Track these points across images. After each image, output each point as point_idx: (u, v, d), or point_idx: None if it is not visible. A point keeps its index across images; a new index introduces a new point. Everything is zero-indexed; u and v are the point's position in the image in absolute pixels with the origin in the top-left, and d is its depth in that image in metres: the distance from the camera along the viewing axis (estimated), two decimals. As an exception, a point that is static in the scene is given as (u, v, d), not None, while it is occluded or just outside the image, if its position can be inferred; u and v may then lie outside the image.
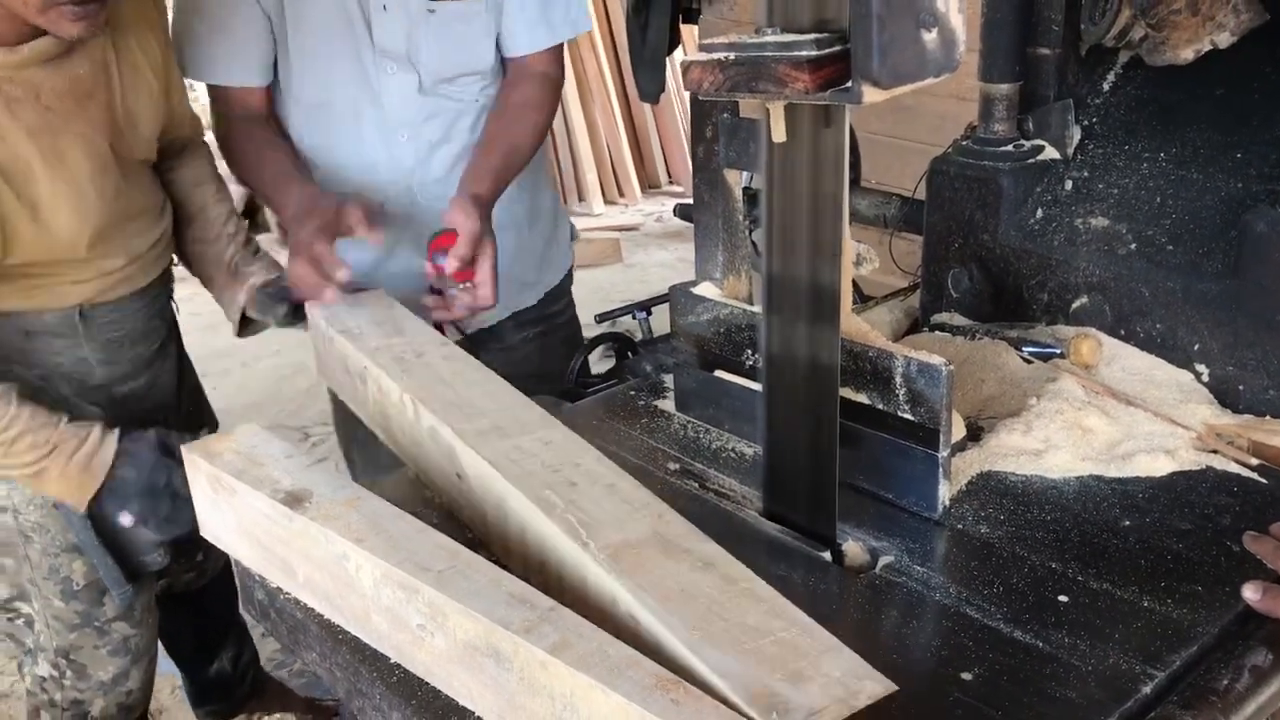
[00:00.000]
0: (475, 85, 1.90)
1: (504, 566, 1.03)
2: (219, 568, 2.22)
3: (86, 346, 1.75)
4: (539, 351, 2.11)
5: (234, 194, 5.71)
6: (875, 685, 0.85)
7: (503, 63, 1.95)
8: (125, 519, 1.67)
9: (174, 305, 1.97)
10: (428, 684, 1.01)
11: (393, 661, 1.04)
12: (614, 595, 0.96)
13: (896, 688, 0.85)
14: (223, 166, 1.98)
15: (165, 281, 1.88)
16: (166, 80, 1.78)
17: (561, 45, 1.95)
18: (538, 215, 2.09)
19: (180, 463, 1.71)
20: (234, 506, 1.18)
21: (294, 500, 1.10)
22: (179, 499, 1.69)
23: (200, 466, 1.21)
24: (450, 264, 1.65)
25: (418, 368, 1.35)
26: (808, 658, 0.87)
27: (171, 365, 1.96)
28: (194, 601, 2.23)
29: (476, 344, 2.00)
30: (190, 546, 1.97)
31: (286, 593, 1.16)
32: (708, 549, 1.01)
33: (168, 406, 1.93)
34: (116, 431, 1.69)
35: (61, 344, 1.73)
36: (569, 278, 2.22)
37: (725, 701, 0.83)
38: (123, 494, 1.67)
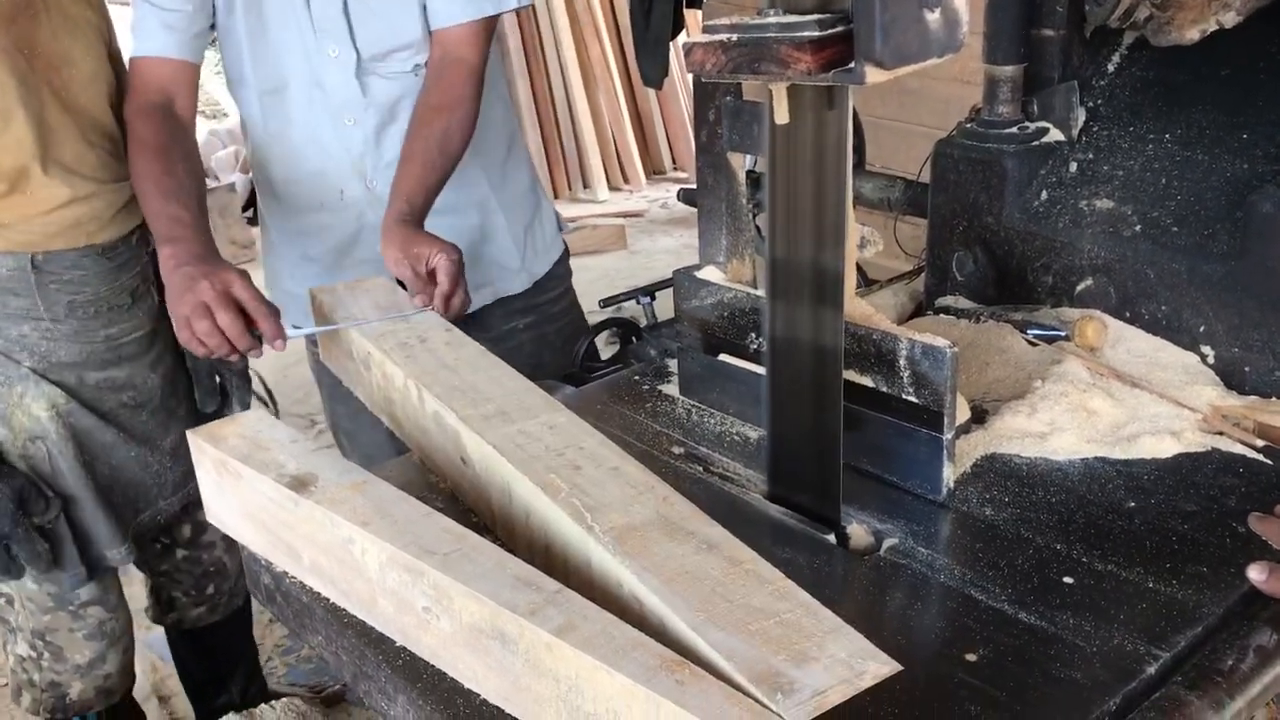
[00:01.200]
0: (407, 61, 1.85)
1: (509, 550, 1.04)
2: (234, 605, 2.23)
3: (47, 311, 1.74)
4: (534, 343, 2.08)
5: (239, 184, 5.72)
6: (880, 665, 0.85)
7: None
8: None
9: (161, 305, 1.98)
10: (433, 667, 1.01)
11: (398, 644, 1.05)
12: (618, 577, 0.96)
13: (901, 668, 0.85)
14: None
15: (137, 263, 1.87)
16: (108, 47, 1.82)
17: (487, 29, 1.85)
18: (509, 195, 2.04)
19: (31, 527, 1.74)
20: (239, 491, 1.18)
21: (299, 484, 1.10)
22: (8, 554, 1.74)
23: (206, 451, 1.21)
24: (419, 302, 1.55)
25: (422, 353, 1.36)
26: (813, 638, 0.87)
27: (164, 371, 1.95)
28: (205, 637, 2.24)
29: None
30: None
31: (292, 576, 1.17)
32: (712, 531, 1.01)
33: (152, 408, 1.93)
34: None
35: (18, 304, 1.73)
36: (562, 266, 2.18)
37: (730, 682, 0.83)
38: None
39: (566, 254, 2.20)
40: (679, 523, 1.02)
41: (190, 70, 1.81)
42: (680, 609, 0.90)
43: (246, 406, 2.07)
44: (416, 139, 1.77)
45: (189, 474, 1.86)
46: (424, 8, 1.83)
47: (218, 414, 2.04)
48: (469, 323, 1.99)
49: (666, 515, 1.03)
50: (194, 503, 1.96)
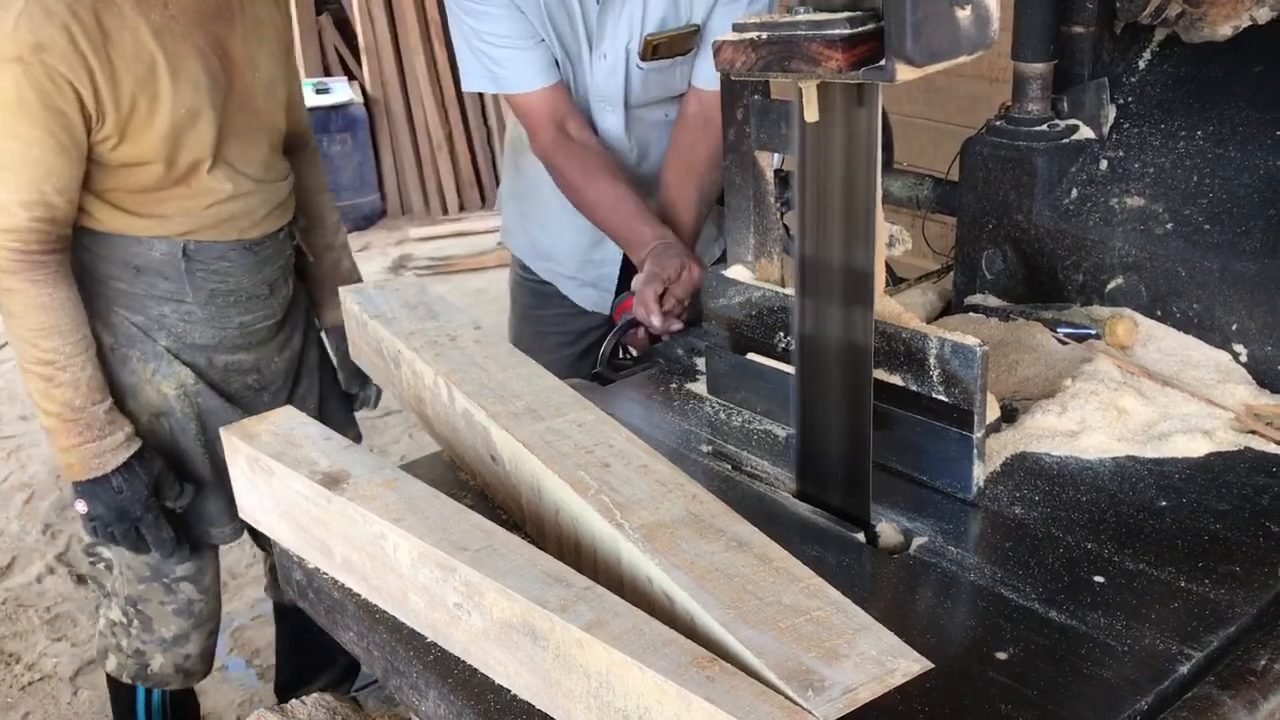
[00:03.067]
0: (672, 107, 2.10)
1: (539, 547, 1.04)
2: None
3: (192, 296, 1.80)
4: None
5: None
6: (911, 663, 0.85)
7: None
8: (80, 506, 1.77)
9: (314, 319, 2.08)
10: (464, 662, 1.02)
11: (429, 640, 1.05)
12: (648, 574, 0.97)
13: (932, 665, 0.85)
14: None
15: (280, 257, 1.93)
16: (287, 50, 1.90)
17: None
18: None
19: (162, 510, 1.81)
20: (272, 487, 1.19)
21: (332, 481, 1.11)
22: (138, 534, 1.81)
23: (239, 448, 1.22)
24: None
25: (451, 351, 1.36)
26: (843, 636, 0.87)
27: (290, 355, 2.01)
28: (300, 616, 2.27)
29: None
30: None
31: (324, 573, 1.18)
32: (741, 529, 1.01)
33: (274, 390, 1.98)
34: (137, 446, 1.76)
35: (166, 286, 1.79)
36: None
37: (760, 679, 0.83)
38: (99, 495, 1.75)
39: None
40: (709, 520, 1.02)
41: (563, 89, 1.99)
42: (710, 606, 0.91)
43: (380, 389, 2.14)
44: (690, 187, 1.99)
45: None
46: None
47: (356, 395, 2.16)
48: None
49: (696, 513, 1.03)
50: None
